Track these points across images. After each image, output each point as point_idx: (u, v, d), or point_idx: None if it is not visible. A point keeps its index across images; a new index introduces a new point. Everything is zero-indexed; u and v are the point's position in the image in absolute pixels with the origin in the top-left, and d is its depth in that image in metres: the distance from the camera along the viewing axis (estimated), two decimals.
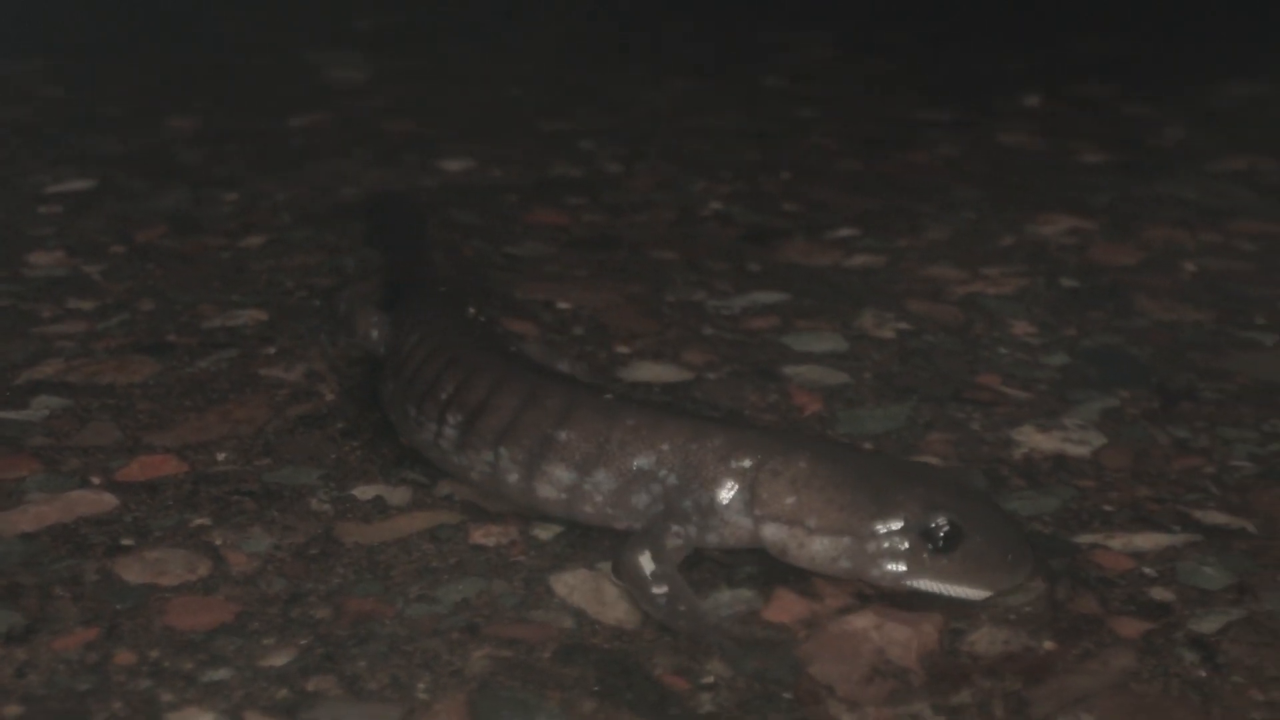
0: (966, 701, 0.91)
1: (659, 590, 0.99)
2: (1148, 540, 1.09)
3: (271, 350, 1.41)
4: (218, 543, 1.07)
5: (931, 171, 2.17)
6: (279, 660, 0.93)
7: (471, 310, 1.24)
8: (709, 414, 1.15)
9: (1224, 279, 1.70)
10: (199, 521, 1.10)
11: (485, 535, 1.09)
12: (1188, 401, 1.36)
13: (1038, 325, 1.52)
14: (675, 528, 1.02)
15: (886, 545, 0.92)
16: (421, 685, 0.91)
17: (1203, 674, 0.95)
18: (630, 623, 0.99)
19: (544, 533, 1.10)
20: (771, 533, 0.96)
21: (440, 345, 1.15)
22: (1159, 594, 1.04)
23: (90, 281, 1.58)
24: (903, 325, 1.52)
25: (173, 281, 1.59)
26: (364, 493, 1.15)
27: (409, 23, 3.30)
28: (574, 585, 1.05)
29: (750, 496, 0.96)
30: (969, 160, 2.25)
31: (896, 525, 0.92)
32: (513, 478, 1.04)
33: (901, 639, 0.97)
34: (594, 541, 1.10)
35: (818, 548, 0.94)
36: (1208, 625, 1.03)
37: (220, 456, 1.19)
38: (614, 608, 1.01)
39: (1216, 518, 1.14)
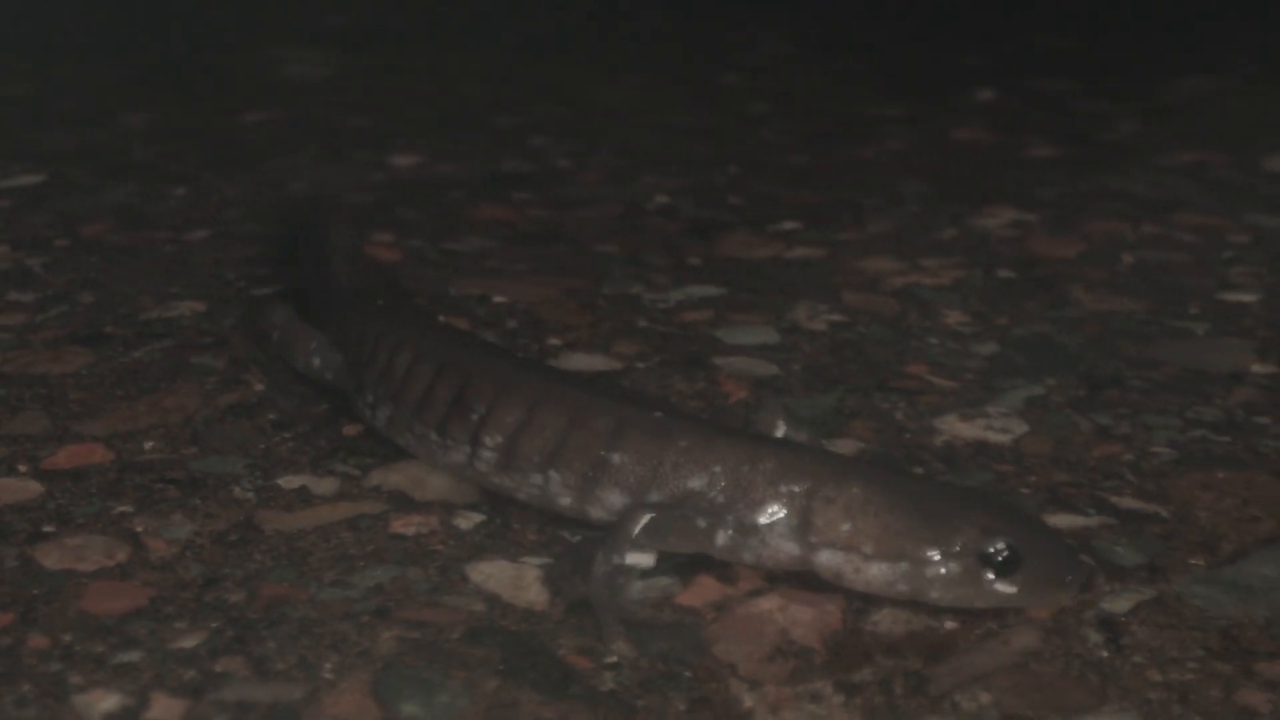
0: (867, 680, 0.92)
1: (620, 554, 1.00)
2: (1062, 522, 1.11)
3: (207, 341, 1.41)
4: (139, 529, 1.08)
5: (879, 166, 2.18)
6: (189, 643, 0.94)
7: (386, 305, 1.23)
8: (759, 435, 1.15)
9: (1161, 270, 1.71)
10: (121, 509, 1.11)
11: (406, 525, 1.10)
12: (1114, 389, 1.37)
13: (971, 315, 1.54)
14: (703, 522, 1.02)
15: (945, 570, 0.93)
16: (328, 666, 0.92)
17: (1105, 654, 0.96)
18: (541, 604, 0.99)
19: (465, 523, 1.10)
20: (827, 558, 0.96)
21: (448, 362, 1.13)
22: None
23: (32, 274, 1.60)
24: (836, 317, 1.53)
25: (114, 274, 1.60)
26: (289, 482, 1.16)
27: (376, 22, 3.31)
28: (490, 573, 1.06)
29: (801, 522, 0.96)
30: (918, 155, 2.26)
31: (955, 551, 0.92)
32: (565, 501, 1.04)
33: (806, 619, 0.98)
34: (515, 534, 1.11)
35: (875, 573, 0.94)
36: (1118, 606, 1.03)
37: (148, 445, 1.20)
38: (527, 591, 1.01)
39: (1131, 503, 1.15)
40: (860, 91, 2.70)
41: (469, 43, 3.08)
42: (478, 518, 1.13)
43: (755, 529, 1.02)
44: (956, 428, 1.26)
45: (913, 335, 1.47)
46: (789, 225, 1.84)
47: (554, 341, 1.44)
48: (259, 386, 1.31)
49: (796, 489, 0.99)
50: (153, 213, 1.82)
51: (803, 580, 1.03)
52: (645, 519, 1.01)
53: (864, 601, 1.01)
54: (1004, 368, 1.41)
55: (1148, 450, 1.24)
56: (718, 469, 1.03)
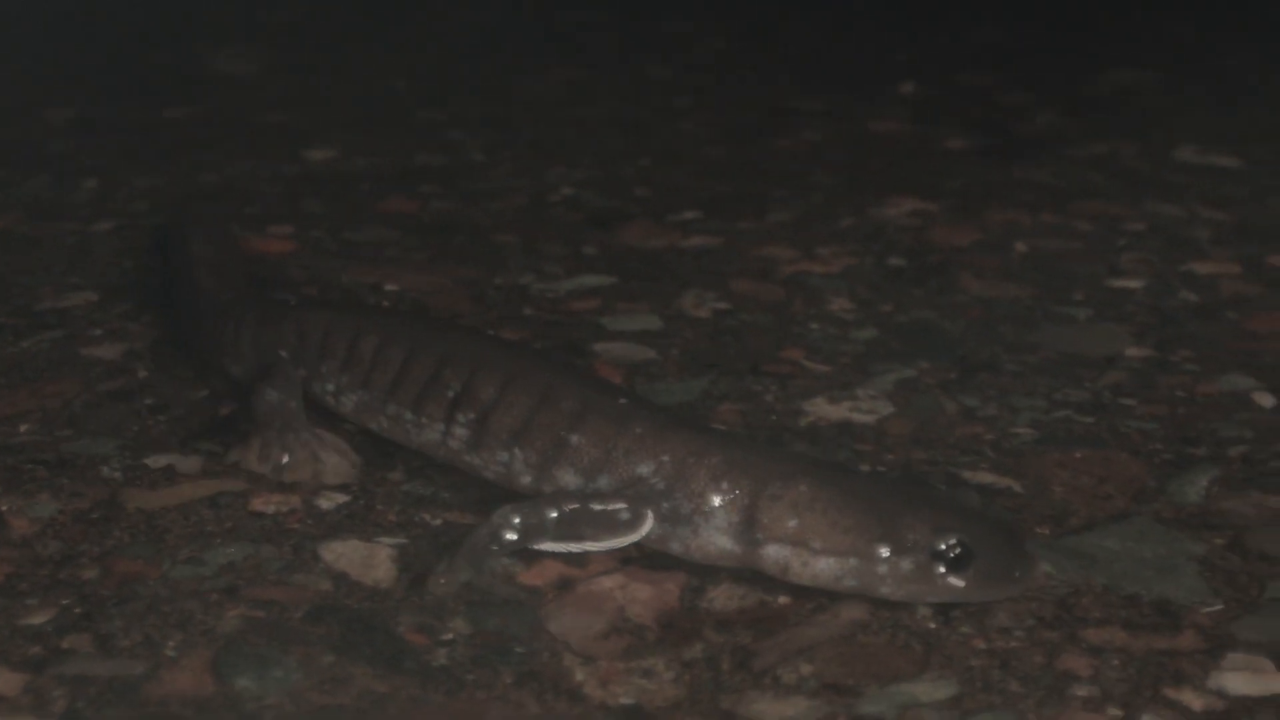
0: (697, 655, 0.94)
1: (517, 530, 1.03)
2: None
3: (97, 332, 1.43)
4: (3, 508, 1.10)
5: (792, 157, 2.21)
6: (38, 619, 0.96)
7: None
8: (719, 430, 1.17)
9: (1053, 258, 1.74)
10: None
11: (265, 503, 1.12)
12: (985, 373, 1.39)
13: (855, 302, 1.56)
14: (627, 513, 1.05)
15: (896, 567, 0.93)
16: (171, 643, 0.94)
17: (933, 626, 0.98)
18: (388, 583, 1.01)
19: (327, 503, 1.13)
20: (774, 553, 0.96)
21: (420, 343, 1.13)
22: None
23: None
24: (721, 304, 1.55)
25: (16, 265, 1.63)
26: (156, 461, 1.18)
27: (309, 17, 3.32)
28: (342, 553, 1.08)
29: (743, 519, 0.97)
30: (832, 146, 2.29)
31: (906, 547, 0.92)
32: (525, 479, 1.05)
33: (643, 597, 1.00)
34: (376, 515, 1.14)
35: (822, 567, 0.95)
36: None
37: (23, 429, 1.23)
38: (376, 571, 1.03)
39: (985, 477, 1.18)
40: (784, 85, 2.74)
41: (399, 39, 3.09)
42: (341, 498, 1.14)
43: (686, 519, 1.02)
44: (823, 409, 1.29)
45: (794, 322, 1.50)
46: (690, 215, 1.87)
47: None
48: (144, 374, 1.32)
49: (740, 485, 0.98)
50: (61, 205, 1.84)
51: (647, 560, 1.04)
52: (563, 510, 1.04)
53: (702, 579, 1.03)
54: (880, 352, 1.44)
55: (1010, 430, 1.26)
56: (665, 458, 1.05)
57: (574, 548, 1.04)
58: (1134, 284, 1.66)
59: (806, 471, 0.96)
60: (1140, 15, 3.49)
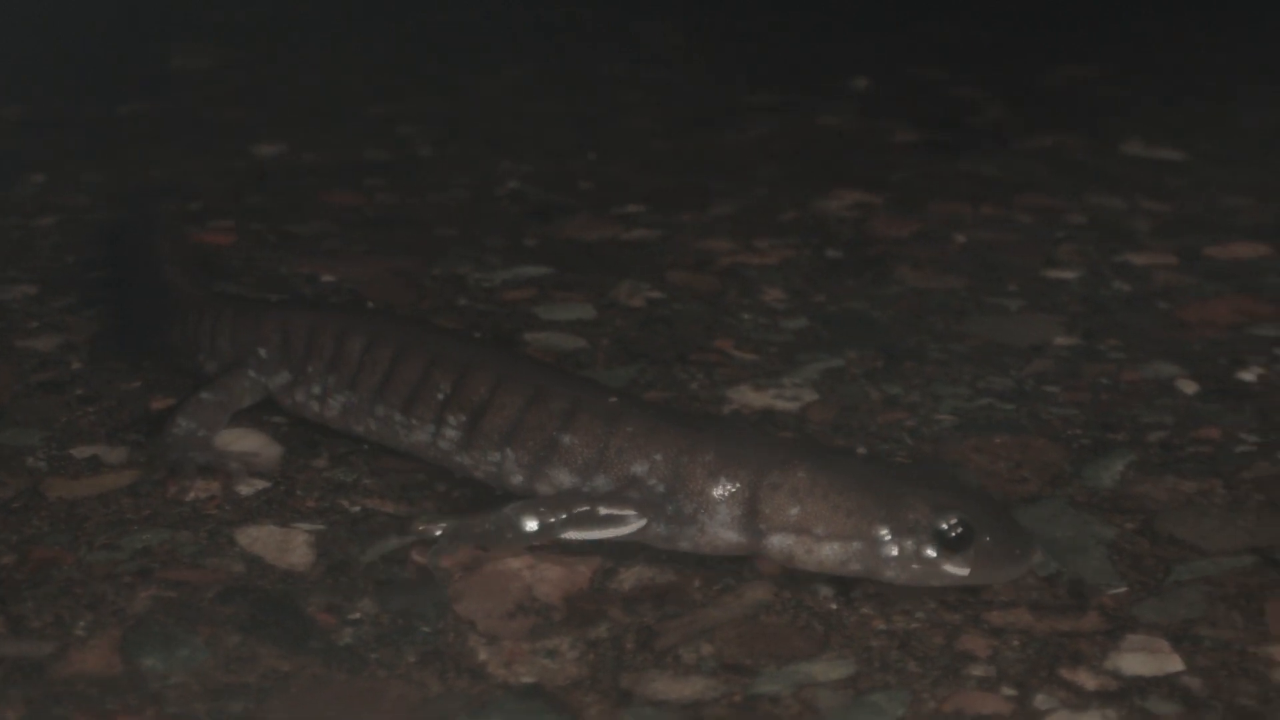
0: (602, 635, 0.96)
1: (536, 521, 1.04)
2: None
3: (34, 324, 1.44)
4: None
5: (740, 151, 2.22)
6: None
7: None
8: (711, 421, 1.19)
9: (990, 249, 1.75)
10: None
11: (185, 491, 1.12)
12: (912, 361, 1.40)
13: (789, 293, 1.57)
14: (636, 519, 1.05)
15: (899, 548, 0.94)
16: (81, 624, 0.95)
17: (834, 607, 0.99)
18: (302, 567, 1.03)
19: (247, 489, 1.14)
20: (778, 542, 0.97)
21: (409, 344, 1.13)
22: None
23: None
24: (656, 295, 1.56)
25: None
26: (81, 452, 1.19)
27: (268, 15, 3.32)
28: (258, 537, 1.09)
29: (746, 511, 0.98)
30: (781, 140, 2.30)
31: (908, 528, 0.93)
32: (516, 479, 1.05)
33: (552, 578, 1.01)
34: (295, 501, 1.15)
35: (827, 553, 0.96)
36: None
37: None
38: (291, 555, 1.04)
39: (901, 462, 1.17)
40: (738, 80, 2.75)
41: (356, 36, 3.10)
42: (261, 484, 1.15)
43: (691, 518, 1.01)
44: (747, 397, 1.30)
45: (727, 312, 1.51)
46: (633, 208, 1.88)
47: None
48: (77, 365, 1.33)
49: (739, 478, 0.99)
50: (6, 199, 1.84)
51: (557, 542, 1.04)
52: (576, 510, 1.05)
53: (615, 561, 1.04)
54: (808, 342, 1.45)
55: (931, 417, 1.27)
56: (658, 456, 1.06)
57: (579, 536, 1.05)
58: (1069, 275, 1.67)
59: (804, 458, 0.97)
60: (1096, 11, 3.50)
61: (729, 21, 3.40)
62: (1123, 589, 1.04)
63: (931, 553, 0.94)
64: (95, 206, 1.84)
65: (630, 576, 1.03)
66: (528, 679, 0.93)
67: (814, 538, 0.96)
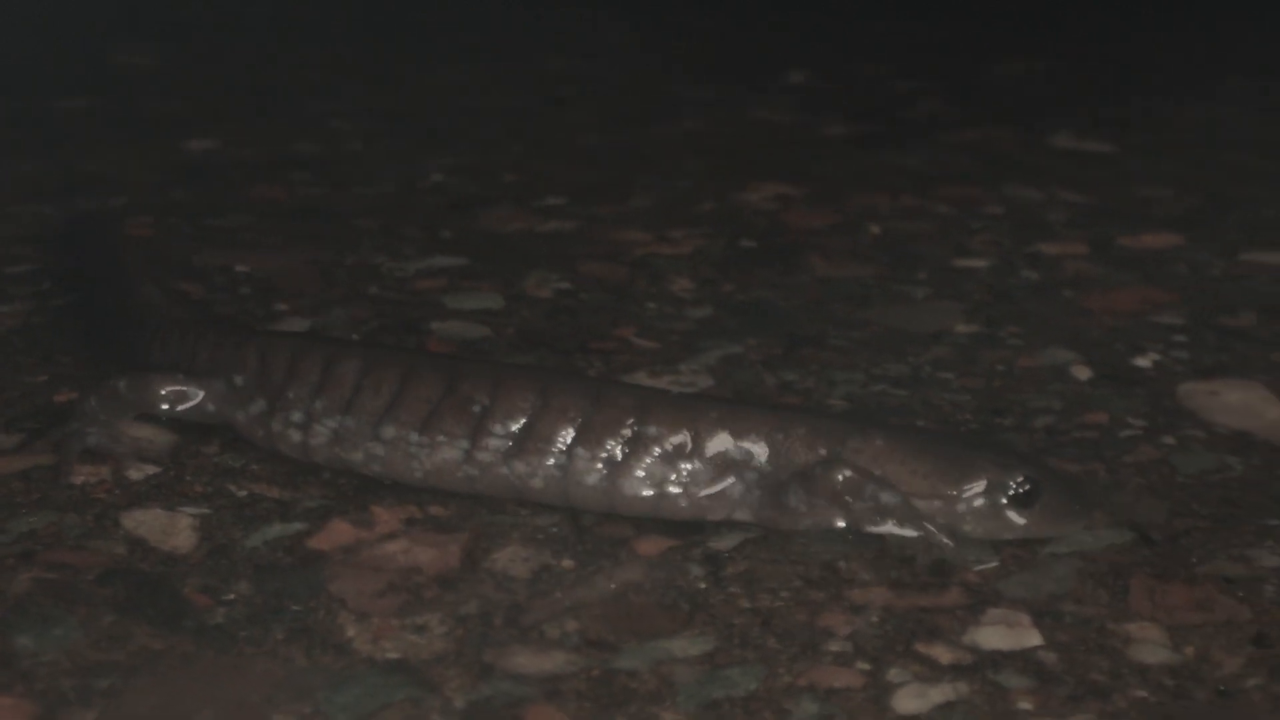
0: (472, 612, 0.98)
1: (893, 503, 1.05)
2: None
3: None
4: None
5: (669, 145, 2.24)
6: None
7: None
8: (792, 405, 1.26)
9: (904, 240, 1.77)
10: None
11: (76, 475, 1.14)
12: (811, 348, 1.41)
13: (697, 283, 1.59)
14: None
15: (974, 505, 1.01)
16: None
17: (703, 586, 1.01)
18: (184, 549, 1.05)
19: (137, 474, 1.15)
20: (862, 506, 1.01)
21: (415, 364, 1.12)
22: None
23: None
24: (564, 285, 1.58)
25: None
26: None
27: (213, 12, 3.33)
28: (144, 520, 1.10)
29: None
30: (710, 134, 2.32)
31: (981, 487, 1.01)
32: (592, 479, 1.06)
33: (426, 559, 1.03)
34: (184, 486, 1.17)
35: (910, 514, 0.99)
36: (725, 543, 1.08)
37: None
38: (175, 538, 1.06)
39: None
40: (678, 74, 2.77)
41: (299, 33, 3.10)
42: (152, 470, 1.16)
43: (794, 492, 1.05)
44: (638, 382, 1.31)
45: (633, 301, 1.53)
46: (553, 201, 1.89)
47: (281, 307, 1.49)
48: None
49: (828, 449, 1.04)
50: None
51: (432, 522, 1.08)
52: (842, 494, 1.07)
53: (488, 540, 1.06)
54: (711, 330, 1.47)
55: (823, 402, 1.29)
56: (752, 437, 1.11)
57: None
58: (979, 264, 1.69)
59: (877, 428, 1.04)
60: (1043, 7, 3.52)
61: (675, 17, 3.40)
62: (994, 564, 1.04)
63: (1003, 508, 1.02)
64: (22, 199, 1.83)
65: (504, 556, 1.05)
66: (393, 654, 0.94)
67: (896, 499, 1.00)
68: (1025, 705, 0.91)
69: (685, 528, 1.09)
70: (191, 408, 1.19)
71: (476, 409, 1.06)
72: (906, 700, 0.91)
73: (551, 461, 1.06)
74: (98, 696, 0.89)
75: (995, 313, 1.53)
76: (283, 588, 1.02)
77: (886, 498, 1.05)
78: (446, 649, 0.96)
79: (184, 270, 1.58)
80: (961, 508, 1.02)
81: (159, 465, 1.17)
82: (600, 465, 1.07)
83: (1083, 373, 1.41)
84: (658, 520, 1.09)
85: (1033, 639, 0.98)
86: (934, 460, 1.02)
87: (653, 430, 1.09)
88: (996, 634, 0.99)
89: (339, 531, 1.09)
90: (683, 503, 1.05)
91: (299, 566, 1.05)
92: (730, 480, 1.07)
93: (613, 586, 1.03)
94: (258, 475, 1.17)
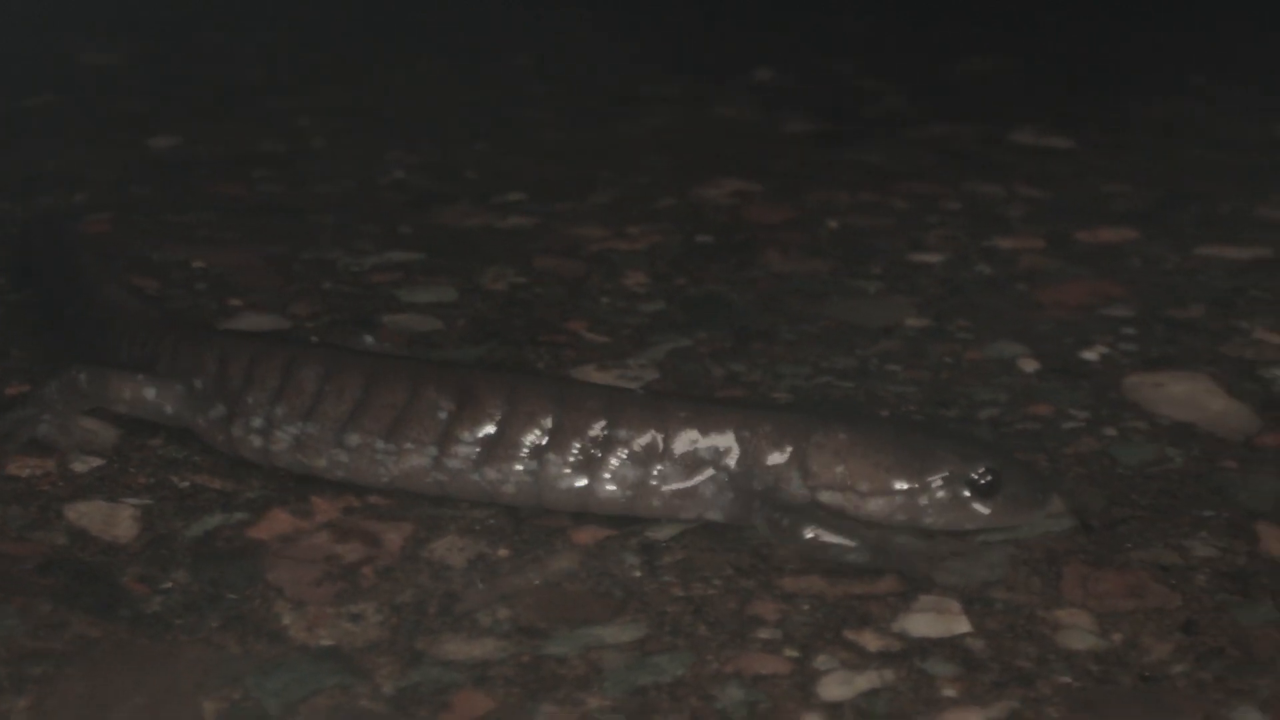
0: (407, 601, 0.99)
1: (843, 541, 1.04)
2: None
3: None
4: None
5: (632, 141, 2.25)
6: None
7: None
8: (770, 401, 1.28)
9: (861, 235, 1.79)
10: None
11: (21, 468, 1.16)
12: (761, 342, 1.43)
13: (652, 277, 1.60)
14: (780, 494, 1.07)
15: (937, 497, 1.02)
16: None
17: (637, 574, 1.02)
18: (125, 539, 1.06)
19: (82, 467, 1.16)
20: (827, 499, 1.04)
21: (380, 370, 1.12)
22: None
23: None
24: (520, 279, 1.59)
25: None
26: None
27: (182, 13, 3.33)
28: (86, 512, 1.11)
29: (801, 470, 1.04)
30: (673, 131, 2.33)
31: (943, 478, 1.01)
32: (564, 483, 1.06)
33: (364, 548, 1.04)
34: (128, 479, 1.18)
35: (874, 507, 1.03)
36: (662, 533, 1.10)
37: None
38: (117, 528, 1.07)
39: None
40: (643, 71, 2.78)
41: (268, 30, 3.11)
42: (96, 462, 1.17)
43: (775, 487, 1.07)
44: (591, 377, 1.33)
45: (587, 295, 1.54)
46: (513, 197, 1.91)
47: (235, 302, 1.50)
48: None
49: (791, 445, 1.04)
50: None
51: (371, 512, 1.08)
52: (787, 522, 1.07)
53: (427, 530, 1.07)
54: (663, 324, 1.48)
55: (768, 395, 1.30)
56: (719, 435, 1.11)
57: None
58: (933, 259, 1.70)
59: (841, 421, 1.05)
60: (1010, 5, 3.53)
61: (645, 15, 3.41)
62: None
63: (965, 499, 1.02)
64: None
65: (441, 545, 1.06)
66: (327, 641, 0.96)
67: (859, 494, 1.03)
68: (950, 692, 0.92)
69: (624, 518, 1.09)
70: (150, 409, 1.18)
71: (443, 415, 1.06)
72: (832, 687, 0.92)
73: (522, 467, 1.06)
74: (31, 684, 0.91)
75: (946, 307, 1.54)
76: (220, 576, 1.03)
77: (831, 541, 1.06)
78: (380, 637, 0.97)
79: (140, 266, 1.59)
80: (924, 500, 1.02)
81: (103, 457, 1.17)
82: (570, 470, 1.06)
83: (1030, 365, 1.42)
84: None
85: (962, 626, 0.99)
86: (897, 453, 1.02)
87: (622, 432, 1.10)
88: (926, 621, 1.00)
89: (279, 521, 1.09)
90: (655, 502, 1.06)
91: (237, 556, 1.06)
92: (700, 479, 1.09)
93: (547, 575, 1.03)
94: (200, 467, 1.17)
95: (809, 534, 1.06)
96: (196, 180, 1.97)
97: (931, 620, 1.00)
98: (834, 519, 1.06)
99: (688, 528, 1.10)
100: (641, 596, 1.01)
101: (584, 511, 1.05)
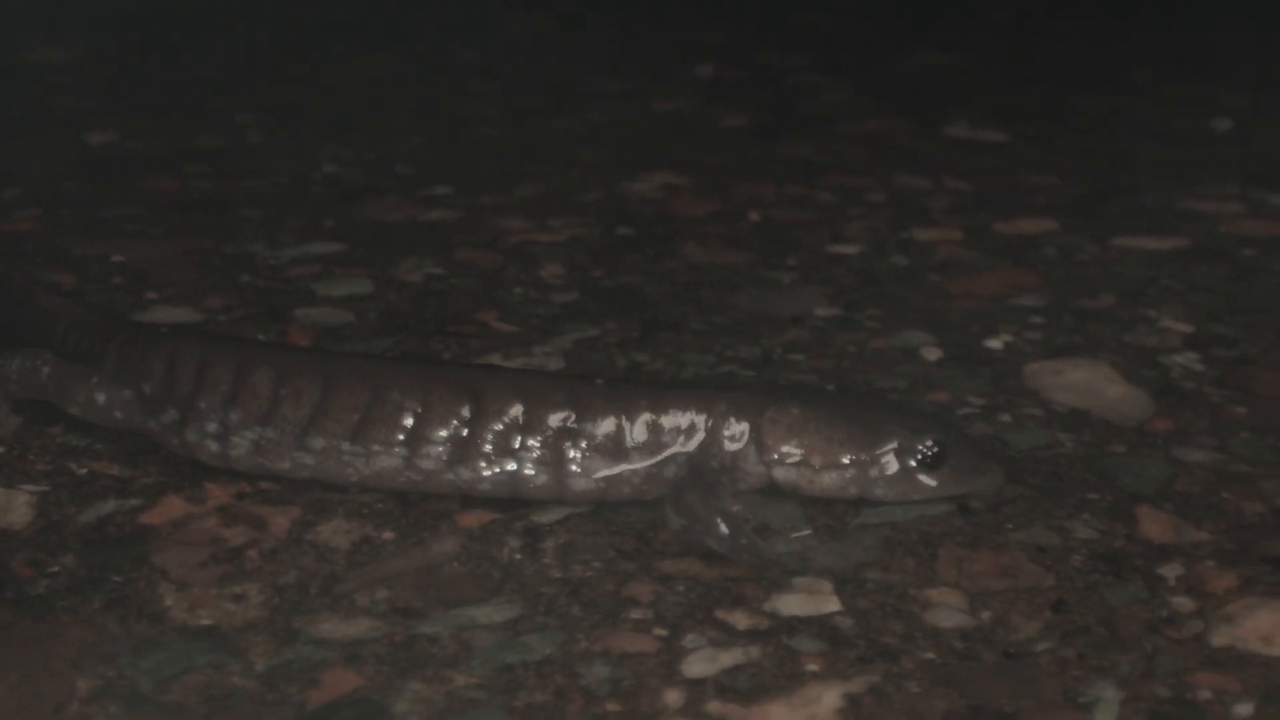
0: (290, 582, 1.01)
1: (724, 532, 1.07)
2: None
3: None
4: None
5: (568, 136, 2.27)
6: None
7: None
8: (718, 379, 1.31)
9: (782, 227, 1.80)
10: None
11: None
12: (669, 332, 1.44)
13: (568, 269, 1.62)
14: (722, 478, 1.08)
15: (885, 470, 1.04)
16: None
17: (518, 557, 1.05)
18: (20, 525, 1.08)
19: None
20: (782, 475, 1.06)
21: (337, 370, 1.11)
22: None
23: None
24: (436, 271, 1.60)
25: None
26: None
27: (136, 11, 3.34)
28: None
29: (758, 446, 1.05)
30: (611, 126, 2.35)
31: (891, 451, 1.04)
32: (541, 479, 1.07)
33: (252, 532, 1.06)
34: (26, 464, 1.20)
35: (827, 480, 1.05)
36: (547, 517, 1.11)
37: None
38: (11, 514, 1.09)
39: None
40: (587, 67, 2.79)
41: (215, 28, 3.12)
42: None
43: (735, 467, 1.07)
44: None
45: (501, 286, 1.55)
46: (441, 190, 1.92)
47: (151, 295, 1.51)
48: None
49: (748, 420, 1.05)
50: None
51: (262, 497, 1.11)
52: (695, 501, 1.09)
53: (314, 514, 1.09)
54: (573, 314, 1.50)
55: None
56: (680, 419, 1.12)
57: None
58: (851, 250, 1.72)
59: (793, 397, 1.06)
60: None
61: (593, 10, 3.42)
62: (807, 532, 1.07)
63: (913, 470, 1.04)
64: None
65: (328, 529, 1.07)
66: (206, 621, 0.97)
67: (812, 469, 1.05)
68: (813, 667, 0.94)
69: (510, 502, 1.11)
70: (101, 414, 1.19)
71: (409, 418, 1.07)
72: (696, 664, 0.94)
73: (496, 466, 1.07)
74: None
75: (857, 297, 1.55)
76: (107, 560, 1.04)
77: (715, 532, 1.07)
78: (259, 617, 0.98)
79: (61, 261, 1.59)
80: (874, 472, 1.04)
81: (2, 444, 1.17)
82: (544, 463, 1.07)
83: (933, 354, 1.43)
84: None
85: (832, 605, 1.01)
86: (848, 428, 1.04)
87: (588, 423, 1.11)
88: (797, 601, 1.01)
89: (171, 507, 1.11)
90: (625, 489, 1.07)
91: (127, 541, 1.07)
92: (659, 459, 1.08)
93: (429, 559, 1.04)
94: (100, 454, 1.19)
95: (702, 511, 1.07)
96: (129, 176, 1.98)
97: (802, 600, 1.02)
98: (734, 517, 1.08)
99: (574, 512, 1.12)
100: (520, 578, 1.03)
101: (560, 502, 1.10)
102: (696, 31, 3.17)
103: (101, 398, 1.17)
